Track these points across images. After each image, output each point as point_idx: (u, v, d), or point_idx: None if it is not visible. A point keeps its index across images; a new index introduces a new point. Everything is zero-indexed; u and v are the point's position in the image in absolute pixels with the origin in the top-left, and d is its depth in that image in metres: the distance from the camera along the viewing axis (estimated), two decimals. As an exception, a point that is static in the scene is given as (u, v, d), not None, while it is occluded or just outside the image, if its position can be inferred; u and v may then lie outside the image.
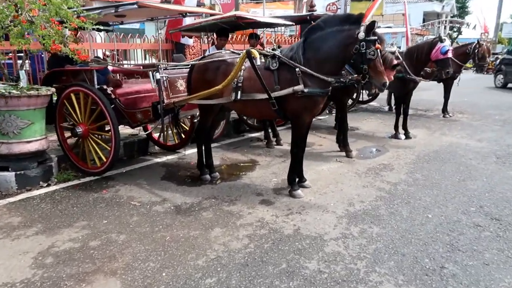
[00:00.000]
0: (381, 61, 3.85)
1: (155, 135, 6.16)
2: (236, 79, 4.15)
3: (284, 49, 4.35)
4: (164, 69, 4.69)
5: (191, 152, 5.84)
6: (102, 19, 5.46)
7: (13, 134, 4.44)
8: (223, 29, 6.44)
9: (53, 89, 4.69)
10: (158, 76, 4.39)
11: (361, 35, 3.69)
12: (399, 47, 7.43)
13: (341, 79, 4.12)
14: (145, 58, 9.50)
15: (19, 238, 3.38)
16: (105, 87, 4.84)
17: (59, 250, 3.18)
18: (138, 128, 5.44)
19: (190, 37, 8.10)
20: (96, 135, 4.91)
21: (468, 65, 9.23)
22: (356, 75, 4.20)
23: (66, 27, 4.29)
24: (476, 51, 8.76)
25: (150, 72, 4.47)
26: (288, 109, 4.11)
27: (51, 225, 3.62)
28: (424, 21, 34.03)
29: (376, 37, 3.72)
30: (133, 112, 4.90)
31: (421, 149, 6.34)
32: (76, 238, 3.37)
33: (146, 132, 5.64)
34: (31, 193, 4.40)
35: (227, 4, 24.10)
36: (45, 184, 4.65)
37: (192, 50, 8.61)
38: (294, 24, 7.95)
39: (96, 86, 4.81)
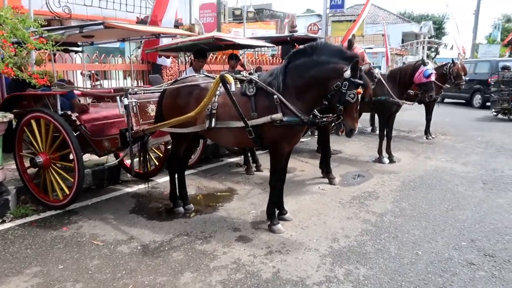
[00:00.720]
0: (358, 107, 3.63)
1: (127, 162, 5.78)
2: (210, 106, 3.86)
3: (262, 73, 4.09)
4: (134, 93, 4.36)
5: (164, 181, 5.47)
6: (70, 40, 5.14)
7: (-37, 165, 4.01)
8: (201, 50, 6.17)
9: (10, 116, 4.28)
10: (126, 101, 4.05)
11: (347, 73, 3.44)
12: (379, 67, 7.28)
13: (315, 119, 3.87)
14: (125, 78, 9.17)
15: (-43, 291, 2.93)
16: (69, 112, 4.46)
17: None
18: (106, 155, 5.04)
19: (168, 57, 7.81)
20: (58, 165, 4.49)
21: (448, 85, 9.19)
22: (330, 114, 3.95)
23: (23, 49, 3.92)
24: (450, 70, 8.72)
25: (118, 97, 4.12)
26: (265, 138, 3.82)
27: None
28: (403, 41, 34.75)
29: (362, 82, 3.50)
30: (100, 140, 4.52)
31: (406, 175, 6.12)
32: None
33: (117, 160, 5.25)
34: (-18, 232, 3.95)
35: (209, 23, 24.06)
36: (0, 220, 4.20)
37: (170, 71, 8.31)
38: (274, 45, 7.76)
39: (60, 112, 4.44)
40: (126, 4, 9.69)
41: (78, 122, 4.48)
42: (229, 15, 31.03)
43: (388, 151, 6.97)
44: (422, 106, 9.34)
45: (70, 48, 5.63)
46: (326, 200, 4.96)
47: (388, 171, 6.35)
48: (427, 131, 9.25)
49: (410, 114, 12.56)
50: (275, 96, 3.64)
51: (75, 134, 4.41)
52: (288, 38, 7.30)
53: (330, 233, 3.96)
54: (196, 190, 5.36)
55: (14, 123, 4.67)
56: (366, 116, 10.37)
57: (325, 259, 3.43)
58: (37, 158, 4.41)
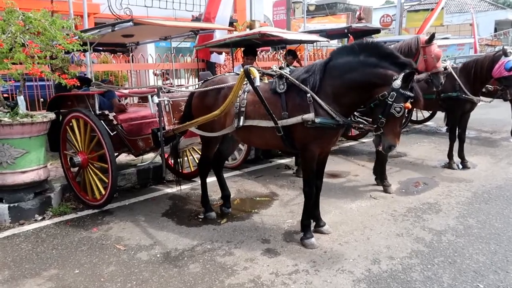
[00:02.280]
0: (402, 122, 3.14)
1: (171, 161, 5.71)
2: (238, 103, 3.54)
3: (297, 68, 3.66)
4: (167, 92, 4.20)
5: (210, 181, 5.25)
6: (115, 41, 5.18)
7: (7, 164, 4.17)
8: (249, 46, 5.88)
9: (51, 115, 4.38)
10: (156, 100, 3.90)
11: (397, 83, 2.93)
12: (454, 61, 6.33)
13: (352, 123, 3.37)
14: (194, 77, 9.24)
15: (-25, 289, 2.98)
16: (107, 112, 4.45)
17: (10, 308, 2.72)
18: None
19: (220, 53, 7.65)
20: (96, 165, 4.50)
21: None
22: (370, 124, 3.43)
23: (60, 51, 3.96)
24: None
25: (149, 95, 3.99)
26: (296, 139, 3.41)
27: (19, 273, 3.20)
28: (496, 30, 31.24)
29: (412, 95, 2.97)
30: (135, 140, 4.45)
31: (480, 184, 5.22)
32: (34, 294, 2.89)
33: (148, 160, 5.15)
34: (21, 229, 4.07)
35: (282, 20, 23.82)
36: (40, 218, 4.32)
37: (224, 68, 8.15)
38: (328, 40, 7.18)
39: (98, 112, 4.44)
40: (186, 3, 9.79)
41: (115, 122, 4.46)
42: (302, 11, 30.66)
43: (461, 155, 6.05)
44: (508, 104, 8.07)
45: (118, 49, 5.70)
46: (376, 211, 4.37)
47: (458, 178, 5.48)
48: (514, 132, 7.96)
49: (497, 112, 11.05)
50: (308, 95, 3.21)
51: (111, 134, 4.41)
52: (345, 30, 6.70)
53: (371, 252, 3.41)
54: (235, 193, 5.08)
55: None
56: (440, 113, 9.27)
57: (359, 285, 2.92)
58: (76, 158, 4.47)
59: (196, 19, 7.98)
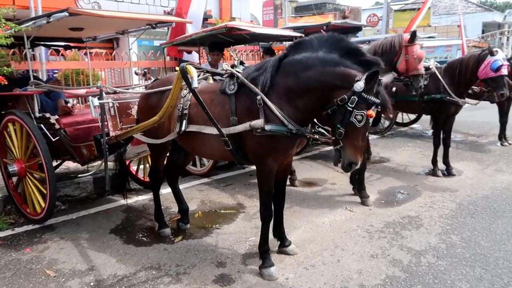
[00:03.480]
0: (365, 133, 2.62)
1: (133, 169, 5.21)
2: (182, 105, 3.06)
3: (250, 66, 3.18)
4: (112, 93, 3.70)
5: (167, 192, 4.76)
6: (66, 35, 4.65)
7: None
8: (214, 43, 5.41)
9: (-18, 119, 3.85)
10: (96, 102, 3.39)
11: (359, 85, 2.42)
12: (437, 62, 5.91)
13: (305, 132, 2.83)
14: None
15: None
16: (47, 115, 3.93)
17: None
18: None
19: (189, 52, 7.16)
20: (36, 175, 3.97)
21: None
22: (328, 135, 2.96)
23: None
24: None
25: (90, 97, 3.48)
26: (247, 150, 2.92)
27: None
28: (483, 32, 31.18)
29: (377, 101, 2.47)
30: (78, 147, 3.93)
31: (465, 194, 4.80)
32: None
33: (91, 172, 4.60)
34: None
35: (270, 20, 23.51)
36: (-30, 235, 3.79)
37: (198, 67, 7.65)
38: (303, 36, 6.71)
39: (37, 114, 3.92)
40: (160, -1, 9.31)
41: (57, 126, 3.94)
42: (292, 11, 30.43)
43: (446, 161, 5.64)
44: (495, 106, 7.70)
45: (72, 45, 5.18)
46: (351, 226, 3.92)
47: (442, 187, 5.06)
48: (501, 136, 7.59)
49: (484, 114, 10.71)
50: (258, 97, 2.72)
51: (53, 139, 3.89)
52: (324, 27, 6.25)
53: (340, 279, 2.95)
54: (199, 205, 4.59)
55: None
56: (426, 116, 8.89)
57: (321, 323, 2.46)
58: (11, 167, 3.94)
59: (168, 14, 7.48)
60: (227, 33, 5.13)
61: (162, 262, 3.25)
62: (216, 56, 5.48)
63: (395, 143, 7.93)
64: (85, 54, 9.90)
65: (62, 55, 7.69)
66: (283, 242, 3.37)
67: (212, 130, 2.88)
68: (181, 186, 5.13)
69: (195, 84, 2.64)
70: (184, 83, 2.81)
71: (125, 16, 3.98)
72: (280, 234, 3.37)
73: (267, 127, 2.70)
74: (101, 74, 10.18)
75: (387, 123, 8.30)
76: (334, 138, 2.63)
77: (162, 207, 4.37)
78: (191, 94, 3.06)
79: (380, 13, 24.71)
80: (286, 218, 4.03)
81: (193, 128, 3.02)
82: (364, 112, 2.43)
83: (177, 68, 3.14)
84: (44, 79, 6.18)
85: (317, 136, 2.89)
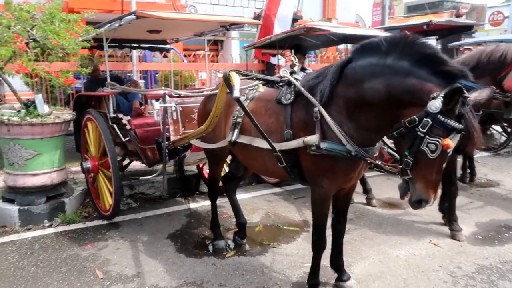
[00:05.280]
0: (441, 166, 2.03)
1: (206, 172, 5.16)
2: (237, 112, 2.81)
3: (311, 72, 2.79)
4: (177, 96, 3.64)
5: (240, 198, 4.53)
6: (146, 37, 4.79)
7: (18, 165, 3.99)
8: (296, 46, 5.08)
9: (65, 117, 4.11)
10: (157, 105, 3.35)
11: (435, 104, 1.88)
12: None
13: (367, 155, 2.32)
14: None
15: None
16: (120, 115, 4.04)
17: None
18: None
19: (273, 55, 6.92)
20: (106, 173, 4.12)
21: None
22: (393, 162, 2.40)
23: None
24: None
25: (153, 100, 3.46)
26: (304, 169, 2.54)
27: (-18, 292, 2.88)
28: None
29: (459, 126, 1.90)
30: (145, 148, 3.96)
31: None
32: (-25, 325, 2.51)
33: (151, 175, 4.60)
34: (22, 235, 3.86)
35: (379, 21, 22.37)
36: (48, 224, 4.08)
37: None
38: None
39: (112, 114, 4.06)
40: (255, 1, 9.24)
41: (128, 127, 4.03)
42: (404, 10, 28.65)
43: None
44: None
45: (157, 46, 5.33)
46: (431, 265, 3.26)
47: None
48: None
49: None
50: (315, 109, 2.33)
51: (123, 139, 4.00)
52: (425, 27, 5.46)
53: (403, 334, 2.41)
54: (262, 217, 4.32)
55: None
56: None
57: None
58: (85, 163, 4.14)
59: (258, 16, 7.36)
60: (307, 34, 4.76)
61: (206, 278, 3.05)
62: (298, 59, 5.14)
63: (510, 164, 6.66)
64: (185, 56, 10.43)
65: (164, 56, 8.15)
66: (341, 275, 2.91)
67: (262, 144, 2.58)
68: (249, 195, 5.02)
69: (236, 93, 2.37)
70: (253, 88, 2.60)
71: (193, 18, 3.91)
72: (337, 265, 2.92)
73: (323, 145, 2.30)
74: (200, 75, 10.62)
75: (503, 138, 7.02)
76: (400, 167, 2.12)
77: (225, 216, 4.26)
78: (249, 101, 2.81)
79: (507, 11, 21.50)
80: (354, 244, 3.58)
81: (243, 139, 2.76)
82: (439, 140, 1.89)
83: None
84: (138, 80, 6.57)
85: (380, 163, 2.38)
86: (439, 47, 7.46)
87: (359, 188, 4.80)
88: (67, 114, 4.23)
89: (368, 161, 2.32)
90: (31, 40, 3.89)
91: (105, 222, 4.13)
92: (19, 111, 3.96)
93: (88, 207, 4.50)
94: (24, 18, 3.74)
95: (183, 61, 10.26)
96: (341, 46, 7.60)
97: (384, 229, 3.98)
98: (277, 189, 5.25)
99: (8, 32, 3.72)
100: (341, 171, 2.40)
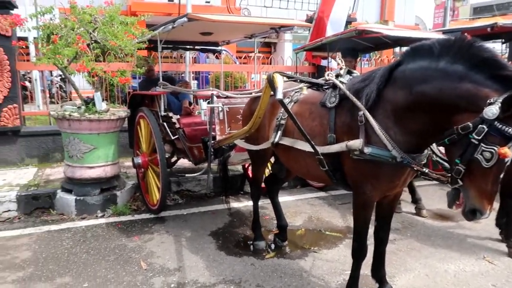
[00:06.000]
0: (497, 177, 1.88)
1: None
2: (281, 114, 2.81)
3: (358, 75, 2.72)
4: (224, 97, 3.71)
5: (284, 201, 4.52)
6: (206, 39, 4.94)
7: (76, 157, 4.27)
8: (347, 48, 4.98)
9: (120, 114, 4.33)
10: (204, 105, 3.44)
11: (491, 110, 1.76)
12: None
13: (414, 161, 2.21)
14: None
15: (-6, 283, 2.97)
16: (170, 114, 4.20)
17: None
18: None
19: (324, 58, 6.82)
20: (155, 169, 4.29)
21: None
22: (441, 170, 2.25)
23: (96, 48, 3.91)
24: None
25: (201, 100, 3.56)
26: (346, 174, 2.48)
27: (38, 273, 3.11)
28: None
29: None
30: (192, 147, 4.07)
31: None
32: (30, 303, 2.72)
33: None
34: (78, 223, 4.11)
35: (439, 24, 21.38)
36: (101, 214, 4.33)
37: (335, 73, 7.27)
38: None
39: (162, 113, 4.23)
40: (309, 3, 9.17)
41: (177, 125, 4.17)
42: (470, 12, 27.12)
43: None
44: None
45: (209, 48, 5.47)
46: (483, 283, 3.04)
47: None
48: None
49: None
50: (360, 113, 2.27)
51: (172, 137, 4.15)
52: (488, 29, 5.09)
53: None
54: (304, 221, 4.28)
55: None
56: None
57: None
58: (136, 159, 4.34)
59: (310, 18, 7.29)
60: (359, 36, 4.64)
61: (244, 278, 3.07)
62: (349, 62, 5.02)
63: None
64: (237, 58, 10.60)
65: (217, 57, 8.37)
66: (382, 286, 2.80)
67: (304, 146, 2.56)
68: (293, 197, 4.99)
69: (279, 95, 2.37)
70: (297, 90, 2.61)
71: (242, 21, 3.97)
72: (379, 275, 2.81)
73: (367, 150, 2.22)
74: (252, 77, 10.75)
75: None
76: (450, 175, 2.01)
77: (267, 217, 4.27)
78: (291, 103, 2.81)
79: None
80: (399, 255, 3.44)
81: (286, 141, 2.75)
82: (496, 148, 1.76)
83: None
84: (191, 80, 6.79)
85: (427, 170, 2.26)
86: (508, 51, 6.95)
87: (408, 197, 4.61)
88: (122, 111, 4.46)
89: (415, 169, 2.22)
90: (92, 42, 4.16)
91: (152, 216, 4.30)
92: (79, 108, 4.24)
93: (138, 200, 4.70)
94: (87, 21, 3.99)
95: (235, 62, 10.44)
96: (398, 49, 7.36)
97: (432, 242, 3.78)
98: (322, 194, 5.17)
99: (72, 34, 4.00)
100: (385, 178, 2.31)
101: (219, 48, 5.53)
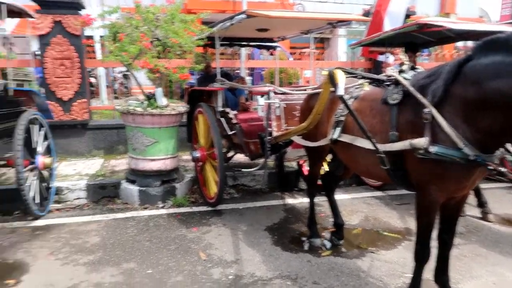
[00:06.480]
0: None
1: (306, 169, 5.20)
2: (340, 110, 2.78)
3: (422, 71, 2.61)
4: (281, 93, 3.72)
5: (339, 199, 4.46)
6: (261, 36, 4.98)
7: (139, 150, 4.49)
8: (406, 43, 4.81)
9: (180, 109, 4.49)
10: (261, 101, 3.48)
11: None
12: None
13: (486, 160, 2.07)
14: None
15: (68, 264, 3.22)
16: (227, 110, 4.29)
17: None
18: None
19: (381, 53, 6.59)
20: (213, 163, 4.40)
21: None
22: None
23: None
24: None
25: (258, 97, 3.60)
26: (409, 173, 2.40)
27: (107, 257, 3.32)
28: None
29: None
30: (248, 142, 4.13)
31: None
32: (101, 285, 2.91)
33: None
34: (141, 213, 4.34)
35: (506, 16, 19.96)
36: (161, 205, 4.53)
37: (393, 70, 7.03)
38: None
39: (220, 108, 4.33)
40: (365, -4, 8.92)
41: (234, 121, 4.25)
42: None
43: None
44: None
45: (264, 44, 5.50)
46: (560, 296, 2.82)
47: None
48: None
49: None
50: (425, 110, 2.18)
51: (229, 133, 4.24)
52: None
53: None
54: (360, 220, 4.20)
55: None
56: None
57: None
58: (195, 153, 4.48)
59: (367, 13, 7.09)
60: (420, 30, 4.44)
61: (300, 274, 3.08)
62: (408, 57, 4.86)
63: None
64: (291, 54, 10.57)
65: (271, 54, 8.41)
66: (446, 285, 2.68)
67: (364, 143, 2.51)
68: (349, 196, 4.91)
69: (340, 91, 2.34)
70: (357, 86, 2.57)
71: (300, 16, 3.93)
72: (442, 281, 2.69)
73: (433, 149, 2.14)
74: (304, 73, 10.69)
75: None
76: None
77: (322, 215, 4.25)
78: (351, 100, 2.77)
79: None
80: (464, 261, 3.29)
81: (345, 138, 2.71)
82: None
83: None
84: (245, 77, 6.87)
85: (504, 170, 2.12)
86: None
87: (473, 200, 4.36)
88: (181, 106, 4.62)
89: (491, 168, 2.10)
90: (155, 39, 4.34)
91: (209, 208, 4.43)
92: (142, 103, 4.45)
93: (195, 193, 4.86)
94: (150, 19, 4.16)
95: (288, 58, 10.42)
96: (460, 44, 6.95)
97: (501, 249, 3.56)
98: (379, 193, 5.03)
99: (136, 32, 4.20)
100: (452, 178, 2.21)
101: (274, 44, 5.54)
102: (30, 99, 4.76)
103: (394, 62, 7.13)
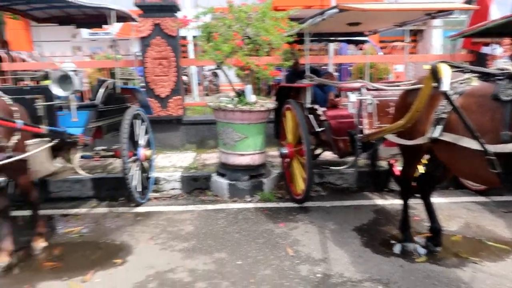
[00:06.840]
0: None
1: (398, 169, 4.94)
2: (443, 107, 2.57)
3: None
4: (374, 89, 3.57)
5: (435, 203, 4.16)
6: (344, 30, 4.84)
7: (229, 145, 4.65)
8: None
9: (268, 105, 4.55)
10: (352, 98, 3.37)
11: None
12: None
13: None
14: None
15: (166, 249, 3.47)
16: (316, 107, 4.24)
17: (174, 278, 3.00)
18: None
19: (487, 44, 5.95)
20: (301, 160, 4.39)
21: None
22: None
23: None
24: None
25: (349, 93, 3.50)
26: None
27: (200, 246, 3.51)
28: None
29: None
30: (337, 140, 4.04)
31: None
32: (195, 271, 3.08)
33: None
34: (230, 205, 4.50)
35: None
36: (249, 199, 4.65)
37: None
38: None
39: (308, 105, 4.30)
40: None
41: (323, 117, 4.19)
42: None
43: None
44: None
45: (354, 39, 5.32)
46: None
47: None
48: None
49: None
50: None
51: (317, 130, 4.20)
52: None
53: None
54: (460, 227, 3.86)
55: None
56: None
57: None
58: (283, 149, 4.51)
59: (469, 0, 6.45)
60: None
61: (392, 279, 2.94)
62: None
63: None
64: (381, 48, 10.10)
65: (360, 49, 8.13)
66: None
67: (470, 144, 2.29)
68: (446, 200, 4.56)
69: (444, 87, 2.15)
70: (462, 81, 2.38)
71: (397, 8, 3.70)
72: None
73: None
74: (395, 68, 10.15)
75: None
76: None
77: (416, 218, 4.01)
78: (455, 96, 2.55)
79: None
80: None
81: (447, 137, 2.50)
82: None
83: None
84: (334, 72, 6.74)
85: None
86: None
87: None
88: (270, 103, 4.68)
89: None
90: (246, 37, 4.45)
91: (296, 205, 4.43)
92: (232, 99, 4.60)
93: (282, 189, 4.89)
94: (242, 18, 4.27)
95: (378, 53, 9.96)
96: None
97: None
98: (481, 198, 4.58)
99: (229, 31, 4.35)
100: None
101: (364, 38, 5.33)
102: (133, 96, 5.22)
103: (502, 54, 6.43)
